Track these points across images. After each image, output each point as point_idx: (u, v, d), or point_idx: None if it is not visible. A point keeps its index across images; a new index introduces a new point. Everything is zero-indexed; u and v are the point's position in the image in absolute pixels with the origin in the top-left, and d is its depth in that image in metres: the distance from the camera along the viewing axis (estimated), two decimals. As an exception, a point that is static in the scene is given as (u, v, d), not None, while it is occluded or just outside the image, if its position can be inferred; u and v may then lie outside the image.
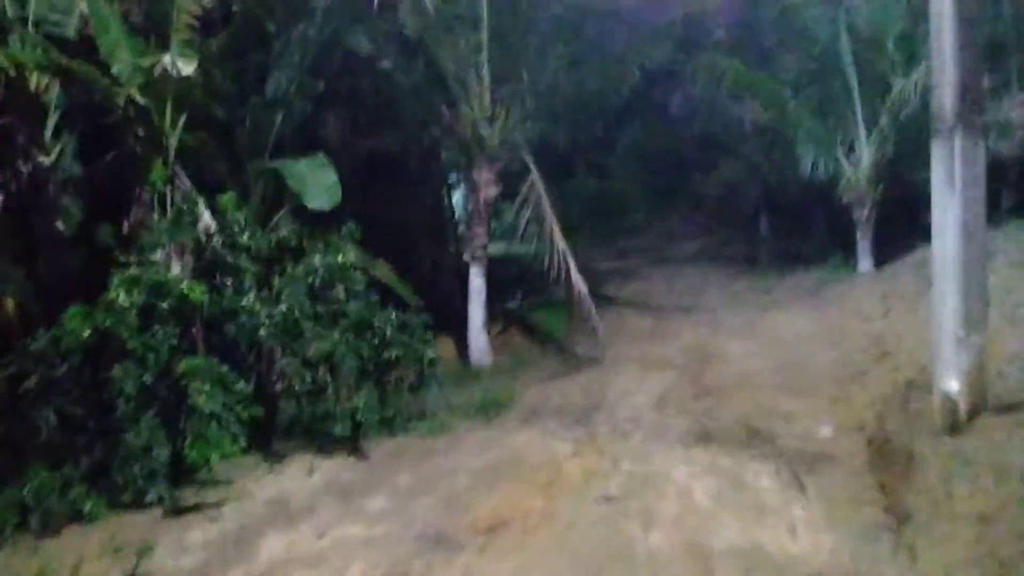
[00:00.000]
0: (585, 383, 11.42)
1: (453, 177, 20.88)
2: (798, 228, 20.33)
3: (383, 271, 13.20)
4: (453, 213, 20.22)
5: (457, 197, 22.27)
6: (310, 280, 9.38)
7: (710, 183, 26.19)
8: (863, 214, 14.68)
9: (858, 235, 14.95)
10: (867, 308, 12.39)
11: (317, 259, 9.47)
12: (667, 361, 11.87)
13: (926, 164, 7.08)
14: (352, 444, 9.17)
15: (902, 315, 11.35)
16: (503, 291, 15.95)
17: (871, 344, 11.01)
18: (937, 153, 6.87)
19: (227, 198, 9.50)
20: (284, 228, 9.91)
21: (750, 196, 23.70)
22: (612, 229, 24.36)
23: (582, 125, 21.96)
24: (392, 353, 9.38)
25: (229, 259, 9.08)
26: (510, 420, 10.33)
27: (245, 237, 9.13)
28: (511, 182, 15.28)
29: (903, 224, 15.05)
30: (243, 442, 8.34)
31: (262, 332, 8.87)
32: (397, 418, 9.87)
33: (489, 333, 13.36)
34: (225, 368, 8.57)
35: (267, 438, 9.14)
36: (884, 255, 14.95)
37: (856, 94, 13.95)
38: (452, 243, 18.79)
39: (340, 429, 8.96)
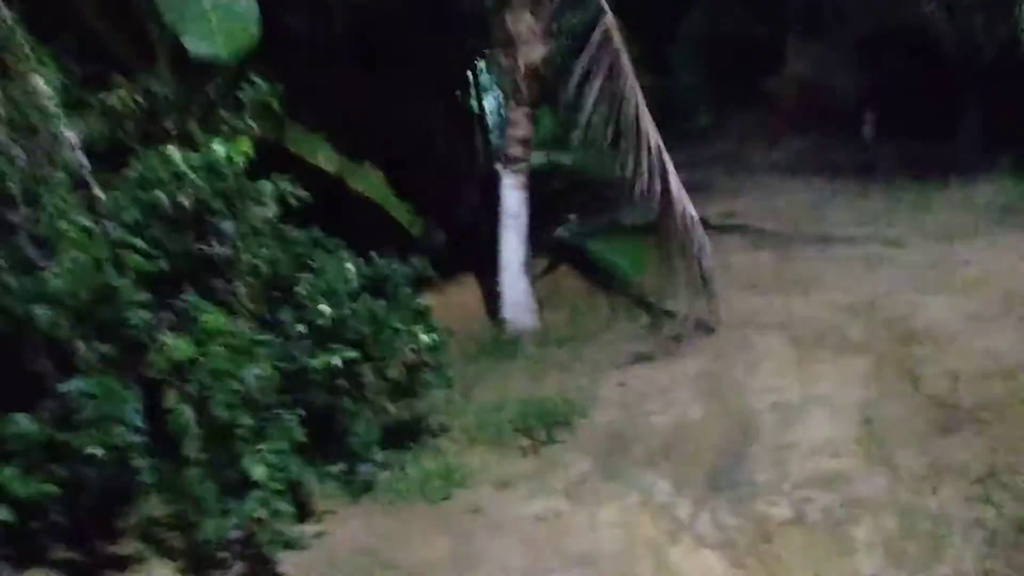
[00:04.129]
0: (699, 374, 5.98)
1: (484, 76, 15.24)
2: (929, 128, 14.24)
3: (368, 182, 7.75)
4: (483, 117, 14.61)
5: (490, 103, 16.62)
6: (157, 196, 3.98)
7: (792, 73, 19.93)
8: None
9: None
10: None
11: (175, 154, 4.05)
12: (834, 331, 6.35)
13: None
14: (252, 551, 4.01)
15: None
16: (549, 214, 10.40)
17: None
18: None
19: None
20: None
21: (848, 88, 17.53)
22: (674, 133, 18.42)
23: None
24: (333, 356, 4.05)
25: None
26: (575, 462, 5.01)
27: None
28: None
29: None
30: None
31: (38, 312, 3.60)
32: (355, 469, 4.64)
33: (529, 275, 7.91)
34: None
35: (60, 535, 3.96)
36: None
37: None
38: (481, 152, 13.24)
39: (212, 529, 3.70)
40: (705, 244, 6.76)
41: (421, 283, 9.16)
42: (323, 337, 4.03)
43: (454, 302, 8.83)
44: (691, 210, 6.73)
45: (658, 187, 6.69)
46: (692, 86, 19.80)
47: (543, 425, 5.44)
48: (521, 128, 7.40)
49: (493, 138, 16.44)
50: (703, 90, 19.79)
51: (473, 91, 14.28)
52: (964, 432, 4.63)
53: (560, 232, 9.68)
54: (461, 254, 9.39)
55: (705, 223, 10.33)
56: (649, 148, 6.72)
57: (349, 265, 4.48)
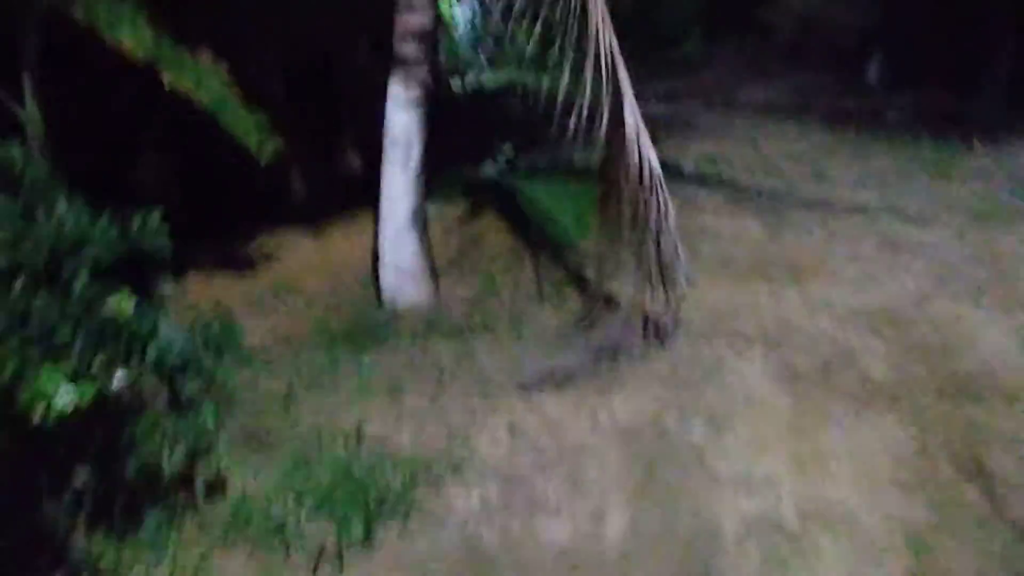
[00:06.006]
0: (636, 427, 3.54)
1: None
2: (947, 76, 11.59)
3: (195, 78, 5.04)
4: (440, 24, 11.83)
5: (463, 10, 13.76)
6: None
7: (790, 3, 17.10)
8: None
9: None
10: None
11: None
12: (847, 361, 3.93)
13: None
14: None
15: None
16: (483, 144, 7.79)
17: None
18: None
19: None
20: None
21: (853, 24, 14.83)
22: (657, 61, 15.72)
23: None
24: None
25: None
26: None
27: None
28: None
29: None
30: None
31: None
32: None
33: (423, 229, 5.30)
34: None
35: None
36: None
37: None
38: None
39: None
40: (668, 210, 4.21)
41: (302, 223, 6.64)
42: None
43: (338, 254, 6.31)
44: (652, 158, 4.14)
45: (605, 114, 4.08)
46: (682, 10, 16.94)
47: (362, 506, 3.01)
48: (417, 15, 4.68)
49: (456, 50, 13.49)
50: (692, 15, 16.94)
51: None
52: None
53: (487, 169, 7.06)
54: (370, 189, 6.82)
55: (678, 171, 7.80)
56: (598, 56, 4.07)
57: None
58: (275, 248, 6.68)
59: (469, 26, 14.45)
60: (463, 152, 7.87)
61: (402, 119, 4.80)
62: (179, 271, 6.20)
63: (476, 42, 14.38)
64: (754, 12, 16.16)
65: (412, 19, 4.67)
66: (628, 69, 4.30)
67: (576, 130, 4.12)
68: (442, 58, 12.24)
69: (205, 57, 5.11)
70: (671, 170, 7.76)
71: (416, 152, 4.88)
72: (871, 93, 12.93)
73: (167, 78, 4.85)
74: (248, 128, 5.04)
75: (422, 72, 4.79)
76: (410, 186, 4.92)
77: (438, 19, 12.50)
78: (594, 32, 4.08)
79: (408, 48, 4.72)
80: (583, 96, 4.07)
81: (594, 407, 3.69)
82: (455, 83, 12.22)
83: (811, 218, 6.35)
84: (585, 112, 4.05)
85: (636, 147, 4.10)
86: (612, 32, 4.16)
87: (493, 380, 4.08)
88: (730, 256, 5.62)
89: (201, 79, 4.99)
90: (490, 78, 13.17)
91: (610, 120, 4.09)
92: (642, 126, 4.15)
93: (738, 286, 5.04)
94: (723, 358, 4.05)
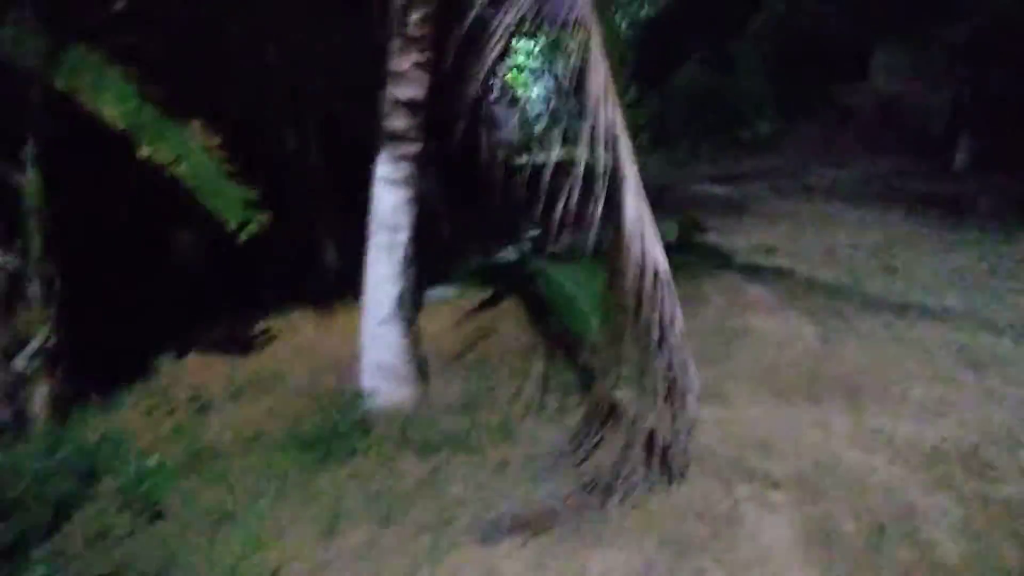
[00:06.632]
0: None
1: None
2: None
3: (174, 148, 4.58)
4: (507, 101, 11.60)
5: (537, 86, 13.53)
6: None
7: (875, 85, 16.16)
8: None
9: None
10: None
11: None
12: (906, 525, 2.96)
13: None
14: None
15: None
16: (514, 225, 7.15)
17: None
18: None
19: None
20: None
21: (940, 108, 13.80)
22: (729, 141, 15.04)
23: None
24: None
25: None
26: None
27: None
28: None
29: None
30: None
31: None
32: None
33: (409, 323, 4.55)
34: None
35: None
36: None
37: None
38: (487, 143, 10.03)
39: None
40: (676, 317, 3.37)
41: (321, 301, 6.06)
42: None
43: (337, 340, 5.69)
44: (657, 254, 3.34)
45: (601, 194, 3.35)
46: (756, 89, 16.20)
47: None
48: (409, 85, 4.10)
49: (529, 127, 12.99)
50: (768, 94, 16.18)
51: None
52: None
53: (508, 252, 6.37)
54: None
55: (727, 260, 6.93)
56: (595, 125, 3.37)
57: None
58: (281, 328, 6.17)
59: (544, 103, 14.22)
60: (494, 234, 7.27)
61: (389, 199, 4.19)
62: (183, 351, 5.75)
63: (550, 119, 14.16)
64: (832, 92, 15.30)
65: (401, 90, 4.09)
66: (694, 145, 3.58)
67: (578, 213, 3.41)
68: (511, 135, 11.87)
69: (194, 128, 4.67)
70: (719, 259, 6.93)
71: (403, 236, 4.24)
72: (958, 179, 11.78)
73: (145, 150, 4.42)
74: (230, 204, 4.51)
75: (413, 148, 4.18)
76: (395, 273, 4.26)
77: (513, 98, 12.20)
78: (596, 98, 3.38)
79: (397, 122, 4.13)
80: (576, 176, 3.35)
81: (564, 571, 2.82)
82: (522, 160, 11.78)
83: (877, 323, 5.35)
84: (577, 193, 3.33)
85: (639, 239, 3.31)
86: (616, 107, 3.45)
87: (453, 518, 3.27)
88: (774, 366, 4.68)
89: (183, 152, 4.54)
90: (558, 155, 12.80)
91: (607, 205, 3.33)
92: (647, 215, 3.38)
93: (777, 407, 4.10)
94: (742, 508, 3.12)
